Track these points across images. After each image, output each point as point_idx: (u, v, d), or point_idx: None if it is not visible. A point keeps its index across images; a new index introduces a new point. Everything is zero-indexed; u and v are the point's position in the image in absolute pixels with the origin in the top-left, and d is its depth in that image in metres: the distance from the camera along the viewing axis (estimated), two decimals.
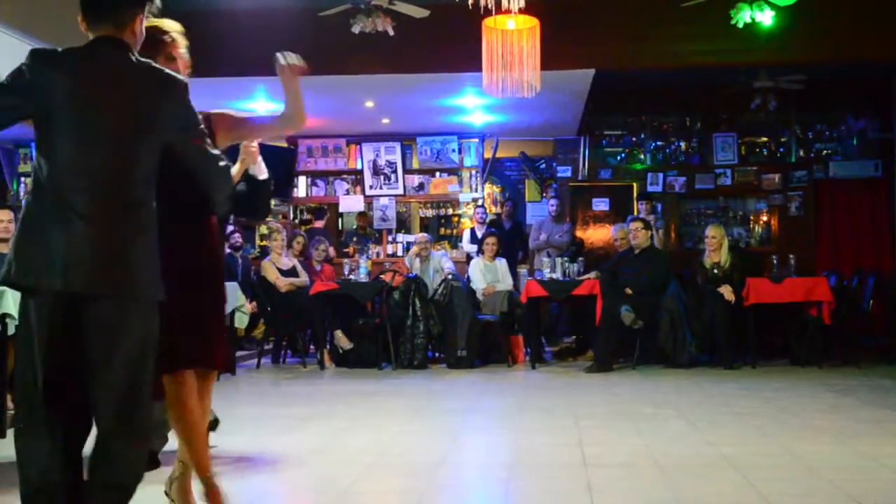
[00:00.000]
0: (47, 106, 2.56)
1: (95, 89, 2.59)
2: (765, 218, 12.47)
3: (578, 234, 12.28)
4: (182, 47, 3.17)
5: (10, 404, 5.73)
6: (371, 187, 12.68)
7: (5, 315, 5.14)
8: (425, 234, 10.85)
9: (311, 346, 9.41)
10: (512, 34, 6.49)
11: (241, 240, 11.31)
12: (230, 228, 11.92)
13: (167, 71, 2.73)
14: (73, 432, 2.57)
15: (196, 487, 3.13)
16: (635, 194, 12.54)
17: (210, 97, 10.83)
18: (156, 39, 3.04)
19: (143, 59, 2.70)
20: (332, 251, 10.91)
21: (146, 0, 2.73)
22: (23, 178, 7.81)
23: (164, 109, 2.66)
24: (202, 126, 2.85)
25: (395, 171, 12.64)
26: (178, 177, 2.79)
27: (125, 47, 2.64)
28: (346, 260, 11.26)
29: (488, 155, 12.76)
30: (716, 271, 8.84)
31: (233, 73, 9.35)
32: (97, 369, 2.51)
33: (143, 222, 2.59)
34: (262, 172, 3.44)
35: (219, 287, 3.28)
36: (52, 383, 2.53)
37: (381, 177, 12.66)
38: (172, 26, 3.15)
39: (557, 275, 9.20)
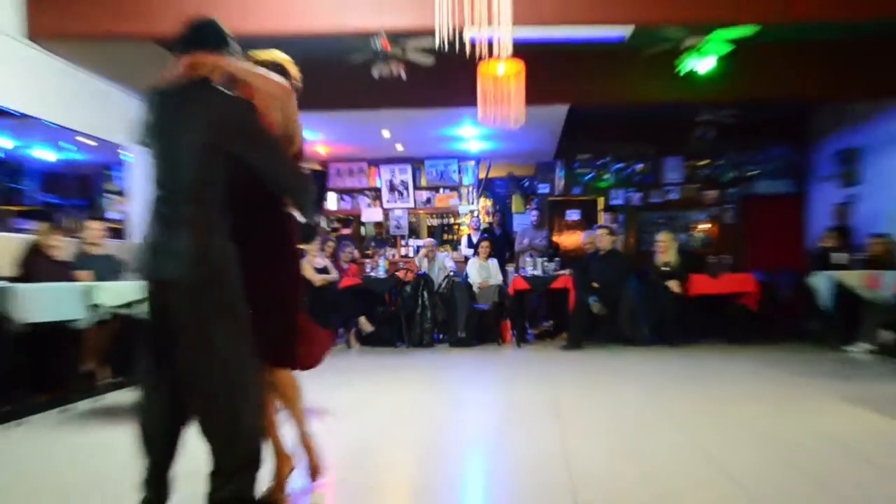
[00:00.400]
0: (147, 134, 2.64)
1: (170, 119, 2.63)
2: (705, 226, 12.50)
3: (555, 238, 12.31)
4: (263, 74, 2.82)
5: (103, 373, 5.81)
6: (388, 201, 12.73)
7: (98, 304, 5.18)
8: (431, 239, 10.90)
9: (340, 330, 9.45)
10: (502, 77, 6.52)
11: None
12: None
13: (228, 94, 2.66)
14: (175, 392, 2.60)
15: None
16: (601, 207, 12.58)
17: None
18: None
19: (215, 87, 2.66)
20: (356, 253, 10.94)
21: (226, 43, 2.74)
22: (106, 195, 7.80)
23: (221, 128, 2.60)
24: (272, 138, 2.72)
25: (407, 188, 12.69)
26: (260, 186, 2.70)
27: (204, 79, 2.65)
28: (367, 260, 11.32)
29: (482, 175, 12.80)
30: (665, 269, 8.89)
31: None
32: (181, 342, 2.55)
33: (209, 225, 2.58)
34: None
35: (289, 290, 2.92)
36: (156, 353, 2.59)
37: (396, 193, 12.70)
38: (270, 56, 2.98)
39: (538, 272, 9.24)
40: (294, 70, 3.01)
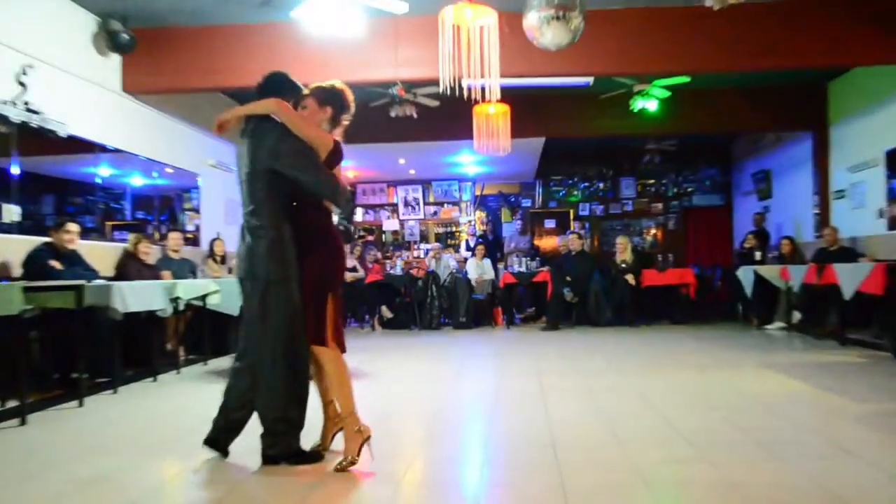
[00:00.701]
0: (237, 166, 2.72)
1: (245, 153, 2.68)
2: (653, 231, 12.51)
3: (536, 242, 12.31)
4: (310, 104, 2.76)
5: (180, 351, 5.84)
6: (403, 214, 12.74)
7: (177, 297, 5.22)
8: (438, 244, 10.91)
9: (366, 316, 9.48)
10: (492, 115, 6.55)
11: None
12: None
13: (276, 124, 2.62)
14: (254, 365, 2.64)
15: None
16: (572, 217, 12.59)
17: None
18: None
19: (270, 122, 2.62)
20: (379, 255, 10.96)
21: (294, 88, 2.77)
22: (184, 211, 7.84)
23: (260, 149, 2.59)
24: (303, 152, 2.59)
25: (418, 204, 12.70)
26: (307, 196, 2.65)
27: (264, 117, 2.65)
28: (387, 260, 11.33)
29: (478, 193, 12.81)
30: (623, 265, 8.90)
31: None
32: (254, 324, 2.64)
33: (280, 235, 2.60)
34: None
35: (329, 281, 2.71)
36: (245, 333, 2.70)
37: (409, 207, 12.71)
38: (329, 83, 2.82)
39: (523, 268, 9.26)
40: (349, 95, 2.83)
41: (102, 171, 6.25)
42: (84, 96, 5.92)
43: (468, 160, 10.87)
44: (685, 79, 7.56)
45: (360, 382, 4.75)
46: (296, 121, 2.64)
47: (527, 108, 8.07)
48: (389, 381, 4.89)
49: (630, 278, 8.64)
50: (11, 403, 3.75)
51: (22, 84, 5.16)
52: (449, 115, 7.72)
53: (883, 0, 5.98)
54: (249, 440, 2.71)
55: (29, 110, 5.19)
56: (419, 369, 5.48)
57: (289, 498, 2.33)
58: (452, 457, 2.95)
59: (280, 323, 2.58)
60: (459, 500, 2.36)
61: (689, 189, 12.47)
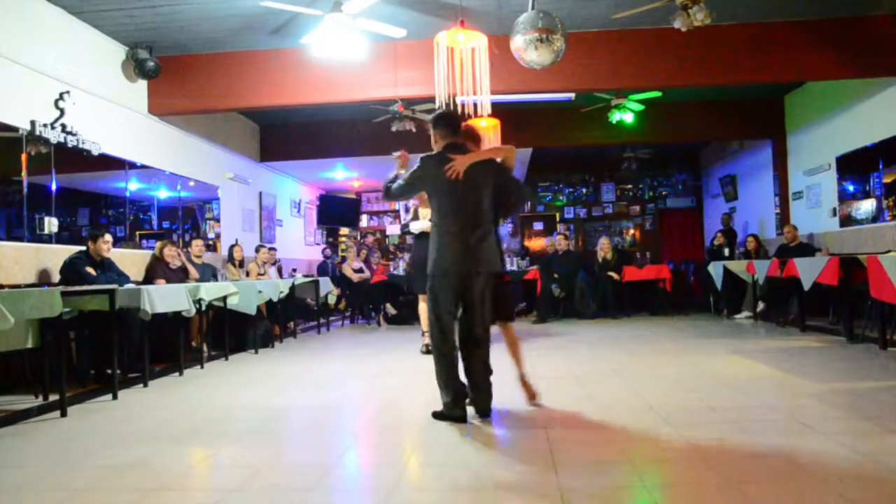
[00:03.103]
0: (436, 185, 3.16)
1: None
2: (632, 231, 12.55)
3: (526, 243, 12.34)
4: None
5: (203, 348, 5.82)
6: (404, 219, 12.69)
7: (200, 299, 5.22)
8: None
9: (372, 313, 9.47)
10: (484, 129, 6.53)
11: (330, 252, 11.34)
12: (323, 245, 11.96)
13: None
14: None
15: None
16: (558, 219, 12.62)
17: (314, 169, 10.88)
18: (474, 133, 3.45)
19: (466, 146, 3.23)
20: (381, 258, 10.96)
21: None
22: (206, 220, 7.83)
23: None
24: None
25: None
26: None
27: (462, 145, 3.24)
28: (391, 262, 11.31)
29: None
30: (605, 262, 8.92)
31: (325, 156, 9.44)
32: (475, 307, 3.19)
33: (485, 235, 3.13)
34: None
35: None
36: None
37: (410, 213, 12.70)
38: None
39: (514, 267, 9.26)
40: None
41: (131, 186, 6.26)
42: (114, 118, 5.94)
43: None
44: (657, 93, 7.60)
45: (369, 373, 4.76)
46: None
47: (515, 121, 8.10)
48: (395, 371, 4.89)
49: (612, 274, 8.66)
50: (53, 397, 3.76)
51: (59, 108, 5.18)
52: None
53: (832, 24, 6.06)
54: (266, 427, 2.71)
55: (65, 132, 5.21)
56: (421, 362, 5.47)
57: (306, 479, 2.34)
58: (454, 439, 2.96)
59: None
60: (461, 475, 2.38)
61: (664, 193, 12.51)
